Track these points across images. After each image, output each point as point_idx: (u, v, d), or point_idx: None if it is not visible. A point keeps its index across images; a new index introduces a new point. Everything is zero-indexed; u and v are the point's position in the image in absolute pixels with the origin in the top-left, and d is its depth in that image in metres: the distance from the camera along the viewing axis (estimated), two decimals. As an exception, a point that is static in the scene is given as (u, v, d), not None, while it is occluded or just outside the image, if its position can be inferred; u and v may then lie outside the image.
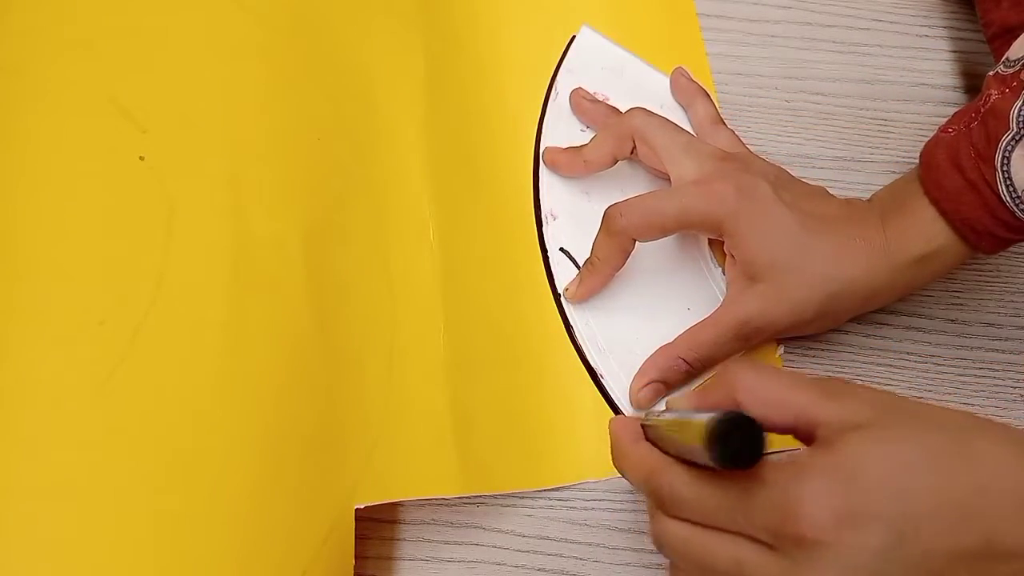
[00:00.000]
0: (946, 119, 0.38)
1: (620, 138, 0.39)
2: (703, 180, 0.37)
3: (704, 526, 0.25)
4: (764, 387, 0.26)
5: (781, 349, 0.40)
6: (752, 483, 0.24)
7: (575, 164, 0.40)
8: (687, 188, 0.37)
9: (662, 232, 0.37)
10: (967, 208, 0.35)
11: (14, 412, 0.29)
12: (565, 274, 0.40)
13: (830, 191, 0.42)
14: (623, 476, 0.29)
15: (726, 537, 0.25)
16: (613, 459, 0.30)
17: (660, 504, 0.27)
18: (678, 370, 0.37)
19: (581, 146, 0.40)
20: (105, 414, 0.30)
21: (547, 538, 0.37)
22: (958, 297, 0.42)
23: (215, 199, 0.34)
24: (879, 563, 0.23)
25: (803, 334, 0.39)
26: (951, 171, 0.36)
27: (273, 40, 0.38)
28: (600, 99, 0.43)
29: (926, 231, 0.37)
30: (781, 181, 0.38)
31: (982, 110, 0.36)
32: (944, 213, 0.36)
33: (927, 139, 0.38)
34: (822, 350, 0.41)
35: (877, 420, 0.24)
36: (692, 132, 0.41)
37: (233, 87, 0.36)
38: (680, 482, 0.26)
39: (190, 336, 0.32)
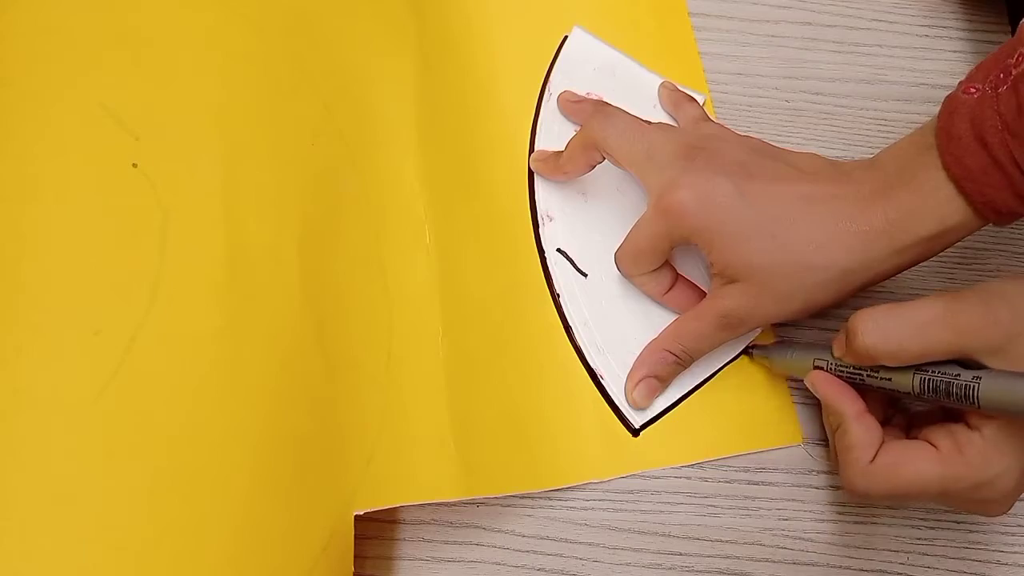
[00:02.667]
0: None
1: (586, 148, 0.38)
2: (662, 198, 0.35)
3: None
4: (896, 340, 0.31)
5: (779, 347, 0.40)
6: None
7: (556, 172, 0.40)
8: (649, 217, 0.36)
9: (655, 263, 0.38)
10: (992, 189, 0.32)
11: (10, 423, 0.29)
12: (563, 275, 0.40)
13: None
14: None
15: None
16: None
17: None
18: (666, 362, 0.37)
19: (559, 153, 0.40)
20: (101, 424, 0.30)
21: (547, 538, 0.37)
22: (958, 297, 0.42)
23: (209, 205, 0.34)
24: None
25: (802, 319, 0.38)
26: (974, 146, 0.32)
27: (265, 45, 0.38)
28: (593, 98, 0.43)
29: (940, 210, 0.33)
30: (752, 166, 0.36)
31: (1013, 72, 0.31)
32: (965, 193, 0.33)
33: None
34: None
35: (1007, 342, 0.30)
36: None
37: (225, 92, 0.36)
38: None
39: (186, 344, 0.32)
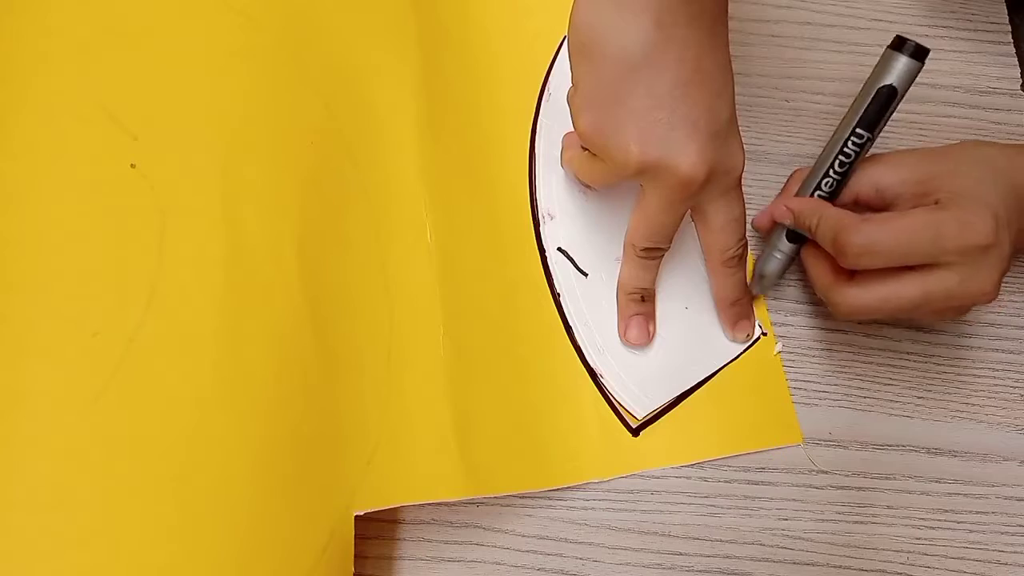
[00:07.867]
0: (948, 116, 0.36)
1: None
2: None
3: (889, 272, 0.34)
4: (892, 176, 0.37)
5: (779, 346, 0.40)
6: (934, 219, 0.33)
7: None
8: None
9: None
10: None
11: (8, 425, 0.29)
12: (564, 274, 0.40)
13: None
14: (808, 233, 0.37)
15: (910, 276, 0.34)
16: (799, 220, 0.37)
17: (853, 259, 0.34)
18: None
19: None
20: (100, 426, 0.30)
21: (547, 538, 0.37)
22: (958, 297, 0.42)
23: (207, 205, 0.34)
24: (1010, 249, 0.34)
25: None
26: None
27: (264, 43, 0.38)
28: None
29: None
30: None
31: None
32: None
33: (927, 139, 0.38)
34: (822, 350, 0.41)
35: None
36: None
37: (224, 91, 0.36)
38: (875, 231, 0.33)
39: (185, 345, 0.31)
